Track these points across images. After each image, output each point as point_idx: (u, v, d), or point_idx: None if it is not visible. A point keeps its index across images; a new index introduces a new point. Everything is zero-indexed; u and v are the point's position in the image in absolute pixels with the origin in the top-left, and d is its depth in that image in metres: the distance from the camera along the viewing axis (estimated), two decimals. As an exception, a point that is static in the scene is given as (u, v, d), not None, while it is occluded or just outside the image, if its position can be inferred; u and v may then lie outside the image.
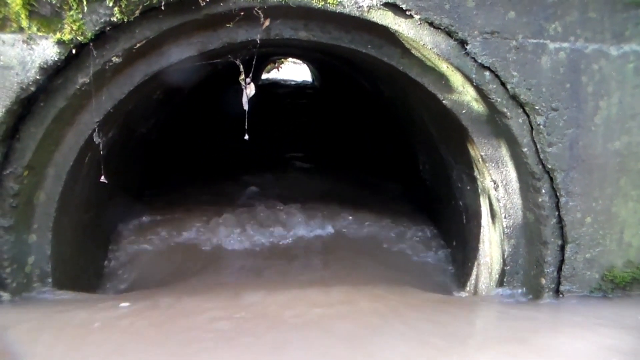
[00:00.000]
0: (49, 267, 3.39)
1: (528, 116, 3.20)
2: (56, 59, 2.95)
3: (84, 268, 4.03)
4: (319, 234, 5.03)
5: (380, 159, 7.49)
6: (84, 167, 3.66)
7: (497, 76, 3.16)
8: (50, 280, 3.39)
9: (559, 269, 3.30)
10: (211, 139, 8.58)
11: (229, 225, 4.95)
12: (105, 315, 2.98)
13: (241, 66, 3.30)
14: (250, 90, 3.28)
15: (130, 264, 4.37)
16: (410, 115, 4.99)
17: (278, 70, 22.61)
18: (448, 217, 4.82)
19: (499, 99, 3.21)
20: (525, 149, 3.24)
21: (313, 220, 5.16)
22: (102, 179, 3.45)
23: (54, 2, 2.88)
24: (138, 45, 3.14)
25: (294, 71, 22.73)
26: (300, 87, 17.26)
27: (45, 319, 2.93)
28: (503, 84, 3.17)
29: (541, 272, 3.33)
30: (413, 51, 3.40)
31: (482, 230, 3.91)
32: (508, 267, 3.49)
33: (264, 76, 20.47)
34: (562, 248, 3.29)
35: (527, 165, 3.27)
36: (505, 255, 3.50)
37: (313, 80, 19.30)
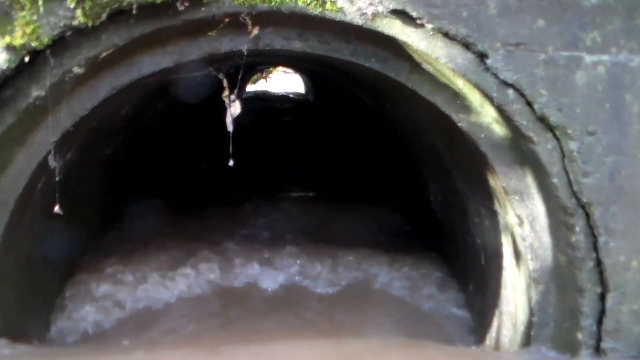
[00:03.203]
0: (-9, 313, 3.28)
1: (559, 141, 3.15)
2: (5, 67, 2.89)
3: (32, 313, 3.91)
4: (313, 277, 4.97)
5: (383, 187, 7.49)
6: (36, 194, 3.58)
7: (522, 95, 3.13)
8: (-8, 328, 3.28)
9: (599, 322, 3.21)
10: (188, 160, 8.54)
11: (197, 271, 4.91)
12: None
13: (225, 81, 3.28)
14: (235, 108, 3.25)
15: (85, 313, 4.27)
16: (419, 138, 4.98)
17: (266, 80, 22.80)
18: (463, 256, 4.76)
19: (524, 122, 3.17)
20: (555, 180, 3.19)
21: (306, 262, 5.09)
22: (57, 209, 3.37)
23: (2, 0, 2.83)
24: (104, 54, 3.10)
25: (284, 81, 22.90)
26: (291, 101, 17.34)
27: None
28: (529, 104, 3.14)
29: (577, 324, 3.24)
30: (424, 65, 3.38)
31: (504, 273, 3.85)
32: (536, 318, 3.41)
33: (250, 88, 20.59)
34: (603, 297, 3.20)
35: (557, 199, 3.22)
36: (533, 304, 3.43)
37: (306, 92, 19.43)
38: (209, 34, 3.22)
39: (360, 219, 6.56)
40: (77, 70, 3.08)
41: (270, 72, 22.42)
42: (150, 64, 3.35)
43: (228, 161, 3.34)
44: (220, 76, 3.36)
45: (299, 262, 5.15)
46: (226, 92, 3.28)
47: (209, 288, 4.77)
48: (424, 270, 5.18)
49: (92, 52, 3.06)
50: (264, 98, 17.27)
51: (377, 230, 6.23)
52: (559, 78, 3.09)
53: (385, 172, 7.50)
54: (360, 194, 7.48)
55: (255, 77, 21.40)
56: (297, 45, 3.35)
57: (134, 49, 3.24)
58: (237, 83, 3.45)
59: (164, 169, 7.75)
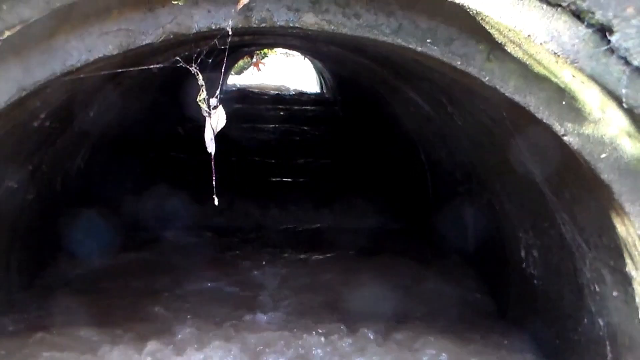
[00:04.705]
0: None
1: None
2: None
3: None
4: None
5: (442, 233, 7.50)
6: None
7: (669, 90, 3.13)
8: None
9: None
10: (140, 198, 8.61)
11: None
12: None
13: (200, 77, 3.29)
14: (218, 119, 3.26)
15: None
16: (503, 160, 4.98)
17: (258, 69, 22.94)
18: (576, 346, 4.72)
19: (672, 133, 3.17)
20: None
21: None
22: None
23: None
24: (8, 34, 3.14)
25: (284, 69, 23.00)
26: (298, 103, 17.40)
27: None
28: (681, 105, 3.14)
29: None
30: (509, 48, 3.42)
31: (646, 378, 3.80)
32: None
33: (233, 81, 20.75)
34: None
35: None
36: None
37: (322, 88, 19.55)
38: (174, 2, 3.27)
39: (399, 285, 6.59)
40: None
41: (265, 55, 22.59)
42: (80, 50, 3.40)
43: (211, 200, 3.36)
44: (193, 69, 3.36)
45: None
46: (203, 94, 3.27)
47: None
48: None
49: (-14, 30, 3.11)
50: (249, 98, 17.32)
51: (432, 303, 6.26)
52: None
53: (449, 212, 7.49)
54: (412, 245, 7.57)
55: (240, 63, 21.59)
56: (309, 21, 3.38)
57: (55, 26, 3.29)
58: (220, 79, 3.44)
59: (104, 226, 7.76)
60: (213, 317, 5.76)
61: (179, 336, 5.33)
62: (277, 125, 13.87)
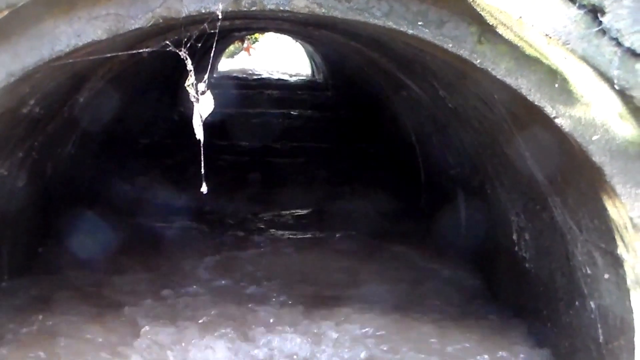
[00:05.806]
0: None
1: None
2: None
3: None
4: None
5: (434, 216, 7.53)
6: None
7: (662, 71, 3.11)
8: None
9: None
10: (134, 183, 8.61)
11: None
12: None
13: (189, 62, 3.27)
14: (205, 104, 3.23)
15: None
16: (495, 144, 4.99)
17: (248, 53, 22.96)
18: (568, 329, 4.72)
19: (664, 115, 3.16)
20: None
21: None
22: None
23: None
24: (-7, 19, 3.14)
25: (276, 52, 22.96)
26: (289, 87, 17.35)
27: None
28: (673, 86, 3.12)
29: None
30: (500, 30, 3.40)
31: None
32: None
33: (224, 66, 20.72)
34: None
35: None
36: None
37: (313, 72, 19.57)
38: (163, -14, 3.28)
39: (393, 269, 6.62)
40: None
41: (256, 39, 22.59)
42: (69, 35, 3.39)
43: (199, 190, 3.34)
44: (182, 54, 3.34)
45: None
46: (191, 79, 3.24)
47: None
48: (503, 351, 5.13)
49: (-27, 16, 3.10)
50: (238, 84, 17.25)
51: (424, 287, 6.27)
52: None
53: (434, 197, 7.49)
54: (397, 228, 7.61)
55: (231, 48, 21.57)
56: (300, 4, 3.36)
57: (43, 11, 3.27)
58: (209, 63, 3.42)
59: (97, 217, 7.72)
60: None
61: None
62: (267, 110, 13.81)
